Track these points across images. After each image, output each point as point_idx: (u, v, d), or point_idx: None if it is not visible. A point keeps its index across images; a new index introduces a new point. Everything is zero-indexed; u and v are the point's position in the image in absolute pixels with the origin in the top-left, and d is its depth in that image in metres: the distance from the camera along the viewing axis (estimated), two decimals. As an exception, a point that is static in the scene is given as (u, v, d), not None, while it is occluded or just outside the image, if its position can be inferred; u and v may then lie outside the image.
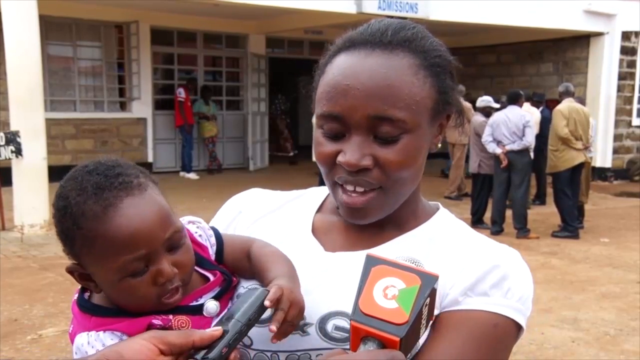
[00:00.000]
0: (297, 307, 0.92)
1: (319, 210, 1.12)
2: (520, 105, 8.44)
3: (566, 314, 5.28)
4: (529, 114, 8.57)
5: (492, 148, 8.25)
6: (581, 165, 8.34)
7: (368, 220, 1.00)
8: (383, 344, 0.77)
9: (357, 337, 0.79)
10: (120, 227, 0.88)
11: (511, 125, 8.12)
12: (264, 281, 0.99)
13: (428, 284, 0.79)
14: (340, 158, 0.94)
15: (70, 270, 0.95)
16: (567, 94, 8.49)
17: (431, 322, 0.84)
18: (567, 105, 8.27)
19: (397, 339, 0.76)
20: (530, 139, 8.17)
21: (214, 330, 0.87)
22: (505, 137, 8.16)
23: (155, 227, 0.90)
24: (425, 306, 0.79)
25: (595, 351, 4.55)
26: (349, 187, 0.96)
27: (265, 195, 1.18)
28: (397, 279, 0.79)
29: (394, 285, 0.79)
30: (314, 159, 7.76)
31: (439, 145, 1.03)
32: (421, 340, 0.92)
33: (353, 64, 0.94)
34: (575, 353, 4.52)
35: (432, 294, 0.80)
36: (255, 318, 0.89)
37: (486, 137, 8.28)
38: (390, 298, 0.78)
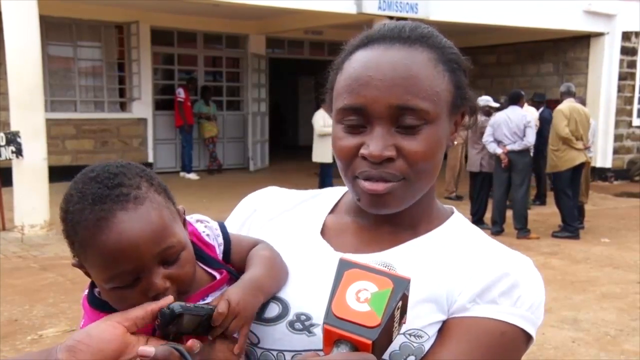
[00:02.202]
0: (241, 319, 0.92)
1: (333, 210, 1.11)
2: (522, 106, 8.44)
3: (566, 314, 5.28)
4: (530, 114, 8.57)
5: (493, 148, 8.26)
6: (582, 165, 8.33)
7: (389, 209, 0.98)
8: (356, 346, 0.78)
9: (330, 340, 0.80)
10: (108, 242, 0.88)
11: (512, 125, 8.12)
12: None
13: (400, 287, 0.80)
14: (363, 150, 0.94)
15: (75, 266, 0.97)
16: (569, 94, 8.48)
17: (404, 324, 0.85)
18: (568, 105, 8.26)
19: (370, 342, 0.77)
20: (531, 139, 8.18)
21: (169, 298, 0.90)
22: (506, 137, 8.16)
23: (144, 244, 0.89)
24: (398, 309, 0.80)
25: (596, 351, 4.55)
26: (371, 181, 0.96)
27: (281, 194, 1.18)
28: (370, 282, 0.80)
29: (366, 289, 0.79)
30: (314, 159, 7.80)
31: (455, 142, 1.04)
32: (427, 345, 0.92)
33: (374, 57, 0.95)
34: (576, 353, 4.51)
35: (404, 297, 0.81)
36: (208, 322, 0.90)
37: (487, 137, 8.28)
38: (362, 301, 0.79)
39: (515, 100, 8.34)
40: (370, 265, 0.82)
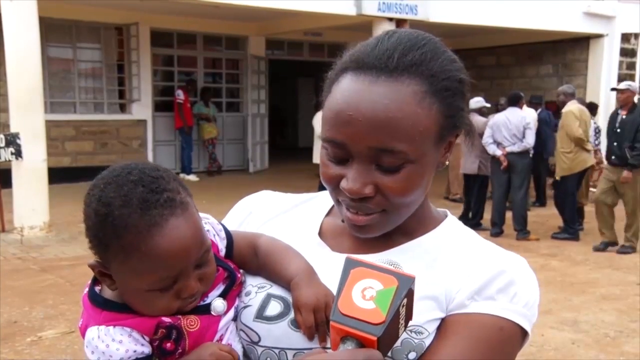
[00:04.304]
0: (322, 306, 0.94)
1: (329, 213, 1.13)
2: (521, 107, 8.43)
3: (566, 315, 5.28)
4: (529, 116, 8.54)
5: (493, 150, 8.24)
6: (588, 169, 8.24)
7: (372, 235, 1.01)
8: (361, 343, 0.80)
9: (337, 337, 0.82)
10: (162, 247, 0.89)
11: (511, 127, 8.11)
12: (277, 277, 1.01)
13: (405, 285, 0.82)
14: (342, 184, 0.95)
15: (92, 267, 0.96)
16: (573, 96, 8.35)
17: (410, 321, 0.86)
18: (577, 107, 8.12)
19: (375, 338, 0.79)
20: (530, 141, 8.16)
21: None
22: (506, 139, 8.15)
23: (192, 249, 0.92)
24: (403, 306, 0.82)
25: (595, 353, 4.55)
26: (352, 211, 0.98)
27: (276, 197, 1.19)
28: (375, 280, 0.82)
29: (371, 287, 0.82)
30: (314, 160, 7.80)
31: (447, 162, 1.03)
32: (427, 341, 0.94)
33: (357, 93, 0.93)
34: (575, 355, 4.51)
35: (410, 294, 0.83)
36: None
37: (486, 139, 8.26)
38: (368, 299, 0.81)
39: (515, 101, 8.33)
40: (376, 264, 0.84)
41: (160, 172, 0.94)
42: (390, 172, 0.93)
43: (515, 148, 8.12)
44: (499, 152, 8.18)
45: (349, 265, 0.84)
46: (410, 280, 0.82)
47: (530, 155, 8.52)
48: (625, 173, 7.29)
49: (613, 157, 7.42)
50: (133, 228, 0.88)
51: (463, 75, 0.99)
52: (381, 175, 0.94)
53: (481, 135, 8.51)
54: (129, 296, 0.94)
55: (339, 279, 0.84)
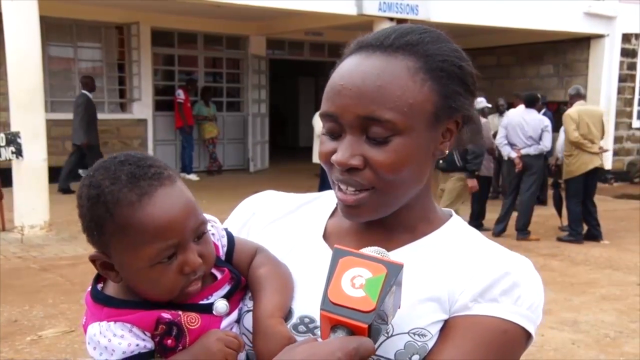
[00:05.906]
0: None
1: (333, 214, 1.12)
2: (539, 110, 8.31)
3: (566, 315, 5.28)
4: (547, 119, 8.39)
5: (507, 151, 8.14)
6: (596, 170, 8.02)
7: (362, 218, 1.00)
8: (352, 331, 0.81)
9: (327, 326, 0.82)
10: (155, 216, 0.91)
11: (528, 128, 8.01)
12: (253, 308, 1.01)
13: (394, 272, 0.82)
14: (333, 157, 0.96)
15: (93, 259, 0.97)
16: (578, 96, 8.21)
17: (399, 309, 0.87)
18: (577, 108, 7.99)
19: (365, 325, 0.80)
20: (547, 144, 8.04)
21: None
22: (521, 141, 8.06)
23: (186, 217, 0.94)
24: (392, 294, 0.83)
25: (595, 353, 4.55)
26: (342, 186, 0.98)
27: (280, 197, 1.19)
28: (364, 269, 0.83)
29: (361, 275, 0.82)
30: (314, 160, 7.80)
31: (446, 152, 1.01)
32: (430, 344, 0.93)
33: (351, 66, 0.96)
34: (575, 355, 4.51)
35: (398, 282, 0.83)
36: None
37: (501, 140, 8.18)
38: (357, 287, 0.81)
39: (532, 103, 8.19)
40: (364, 253, 0.85)
41: (146, 155, 0.98)
42: (379, 144, 0.94)
43: (532, 150, 8.02)
44: (514, 154, 8.08)
45: (338, 254, 0.84)
46: (399, 267, 0.83)
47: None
48: (470, 182, 7.09)
49: (440, 162, 6.79)
50: (125, 201, 0.91)
51: (465, 64, 0.99)
52: (370, 148, 0.94)
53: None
54: (133, 278, 0.95)
55: (328, 269, 0.84)
